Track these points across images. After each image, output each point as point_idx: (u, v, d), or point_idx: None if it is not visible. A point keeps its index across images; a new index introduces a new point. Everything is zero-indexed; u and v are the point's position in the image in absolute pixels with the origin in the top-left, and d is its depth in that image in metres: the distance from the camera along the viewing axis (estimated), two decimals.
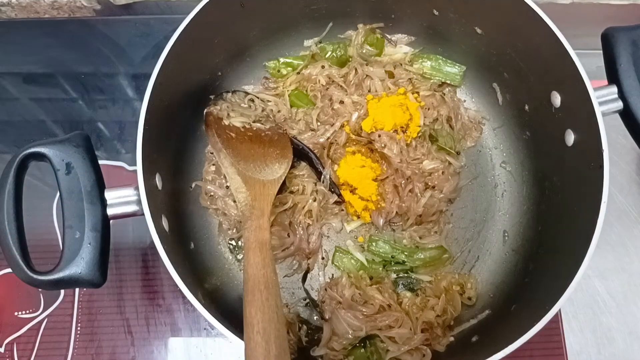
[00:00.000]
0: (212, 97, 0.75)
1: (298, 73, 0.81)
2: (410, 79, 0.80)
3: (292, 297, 0.73)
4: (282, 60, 0.82)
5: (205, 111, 0.73)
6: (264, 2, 0.73)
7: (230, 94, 0.77)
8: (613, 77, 0.63)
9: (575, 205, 0.63)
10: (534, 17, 0.63)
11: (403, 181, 0.74)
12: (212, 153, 0.76)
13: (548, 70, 0.66)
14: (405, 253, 0.73)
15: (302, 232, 0.73)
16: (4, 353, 0.73)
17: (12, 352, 0.73)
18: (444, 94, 0.80)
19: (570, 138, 0.64)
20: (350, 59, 0.82)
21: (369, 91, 0.79)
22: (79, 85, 0.87)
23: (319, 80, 0.80)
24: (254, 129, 0.74)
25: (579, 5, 0.87)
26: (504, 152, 0.80)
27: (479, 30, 0.74)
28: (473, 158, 0.80)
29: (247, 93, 0.79)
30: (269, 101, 0.80)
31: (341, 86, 0.80)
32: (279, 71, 0.82)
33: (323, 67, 0.80)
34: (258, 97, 0.79)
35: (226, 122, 0.72)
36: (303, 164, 0.76)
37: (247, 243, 0.57)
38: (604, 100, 0.61)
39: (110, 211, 0.56)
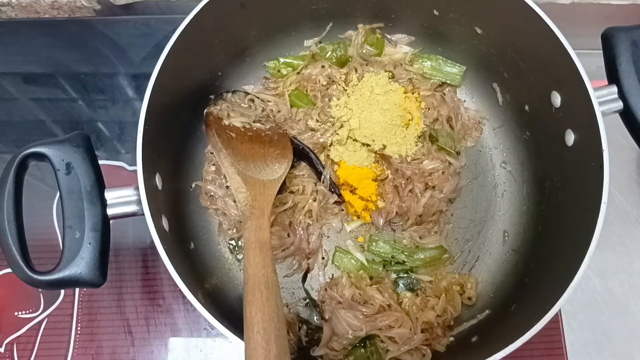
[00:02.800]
0: (212, 97, 0.75)
1: (298, 73, 0.81)
2: (410, 79, 0.80)
3: (292, 297, 0.73)
4: (282, 60, 0.82)
5: (205, 111, 0.73)
6: (264, 2, 0.73)
7: (230, 94, 0.77)
8: (613, 77, 0.63)
9: (575, 205, 0.63)
10: (534, 17, 0.63)
11: (403, 181, 0.74)
12: (212, 153, 0.76)
13: (548, 71, 0.66)
14: (405, 253, 0.73)
15: (302, 232, 0.73)
16: (4, 353, 0.73)
17: (12, 352, 0.73)
18: (444, 94, 0.80)
19: (570, 138, 0.64)
20: (350, 59, 0.82)
21: None
22: (79, 85, 0.87)
23: (319, 80, 0.80)
24: (254, 129, 0.74)
25: (579, 5, 0.87)
26: (504, 152, 0.80)
27: (479, 30, 0.74)
28: (473, 158, 0.80)
29: (247, 93, 0.79)
30: (269, 101, 0.80)
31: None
32: (279, 71, 0.82)
33: (323, 67, 0.80)
34: (258, 97, 0.79)
35: (226, 122, 0.73)
36: (303, 164, 0.76)
37: (247, 243, 0.57)
38: (604, 100, 0.61)
39: (110, 211, 0.56)
